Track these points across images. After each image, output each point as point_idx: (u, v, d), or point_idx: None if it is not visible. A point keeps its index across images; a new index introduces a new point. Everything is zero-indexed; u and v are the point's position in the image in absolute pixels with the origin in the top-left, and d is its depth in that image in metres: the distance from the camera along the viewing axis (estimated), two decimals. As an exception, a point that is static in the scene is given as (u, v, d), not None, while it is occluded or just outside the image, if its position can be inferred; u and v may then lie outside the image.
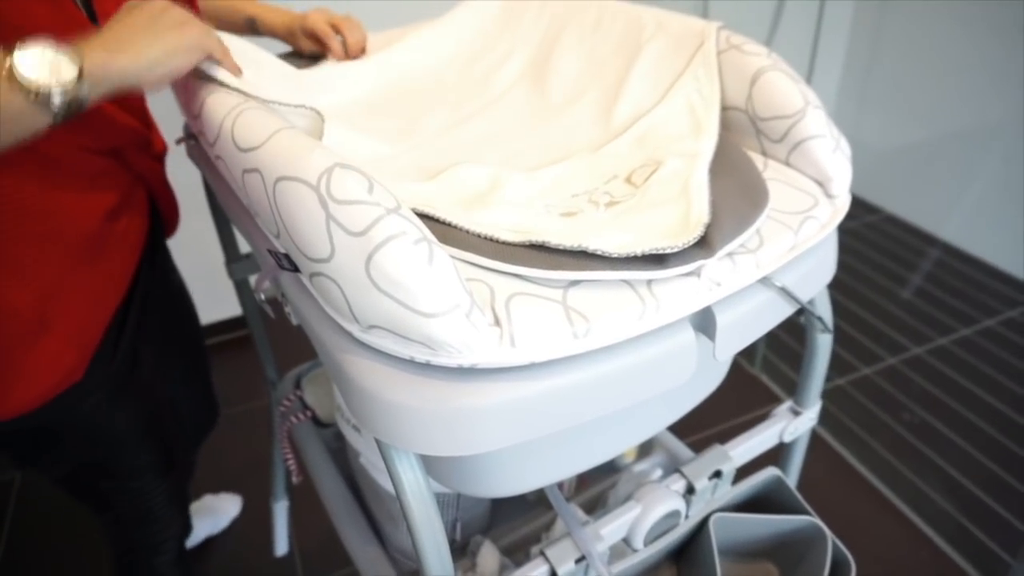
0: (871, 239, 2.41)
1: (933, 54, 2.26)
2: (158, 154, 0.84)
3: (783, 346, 1.91)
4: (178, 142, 0.82)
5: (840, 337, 1.96)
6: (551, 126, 0.74)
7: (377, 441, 0.51)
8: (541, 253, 0.50)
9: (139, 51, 0.56)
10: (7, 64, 0.50)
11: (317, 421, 1.10)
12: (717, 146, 0.64)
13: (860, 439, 1.65)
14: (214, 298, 1.98)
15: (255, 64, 0.71)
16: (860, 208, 2.57)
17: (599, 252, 0.49)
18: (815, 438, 1.66)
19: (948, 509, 1.47)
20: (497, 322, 0.46)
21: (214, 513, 1.55)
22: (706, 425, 1.63)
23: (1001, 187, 2.12)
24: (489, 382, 0.46)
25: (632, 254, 0.49)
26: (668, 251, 0.49)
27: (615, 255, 0.49)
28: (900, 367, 1.85)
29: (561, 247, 0.50)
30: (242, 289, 1.10)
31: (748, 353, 1.90)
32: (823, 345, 0.74)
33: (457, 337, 0.44)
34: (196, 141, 0.78)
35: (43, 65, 0.52)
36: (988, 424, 1.66)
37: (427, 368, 0.47)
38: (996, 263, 2.21)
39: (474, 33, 0.89)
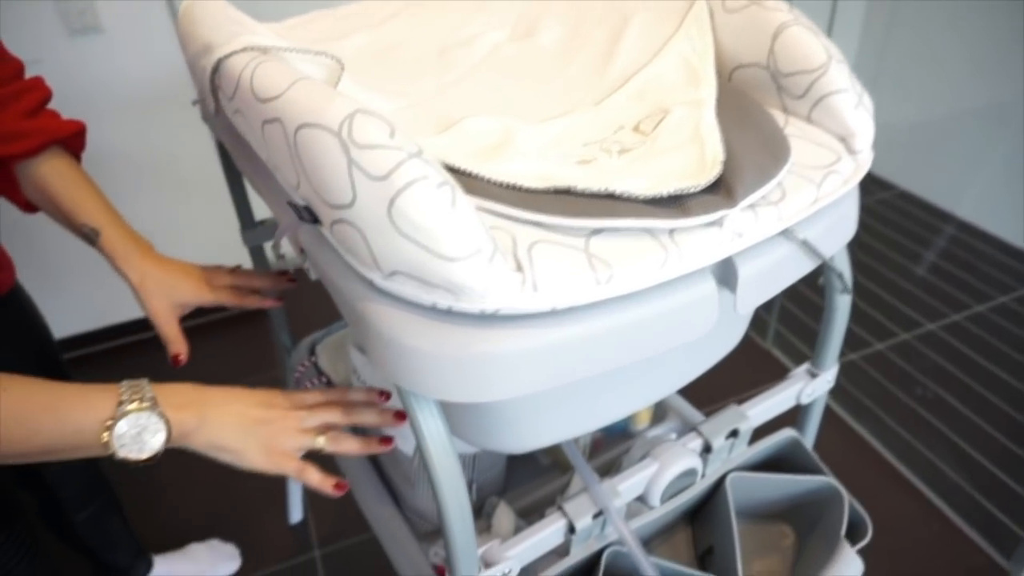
0: (885, 216, 2.39)
1: (948, 30, 2.23)
2: None
3: (795, 320, 1.90)
4: (194, 103, 0.82)
5: (853, 313, 1.95)
6: (546, 85, 0.74)
7: (399, 390, 0.51)
8: (565, 200, 0.50)
9: (220, 440, 0.57)
10: (105, 438, 0.52)
11: (331, 386, 1.11)
12: (736, 102, 0.64)
13: (873, 414, 1.64)
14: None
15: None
16: (874, 185, 2.55)
17: (626, 195, 0.49)
18: (828, 412, 1.66)
19: (961, 483, 1.47)
20: (519, 268, 0.46)
21: (194, 563, 1.39)
22: (717, 398, 1.62)
23: (1017, 164, 2.09)
24: (511, 328, 0.46)
25: (659, 195, 0.49)
26: (691, 190, 0.49)
27: (642, 196, 0.49)
28: (914, 343, 1.84)
29: (588, 191, 0.50)
30: (256, 256, 1.11)
31: (760, 328, 1.89)
32: (842, 306, 0.73)
33: (479, 281, 0.44)
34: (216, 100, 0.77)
35: (133, 441, 0.53)
36: (1002, 400, 1.65)
37: (449, 314, 0.47)
38: (1011, 240, 2.19)
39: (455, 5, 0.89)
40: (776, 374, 0.79)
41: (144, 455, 0.54)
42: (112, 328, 2.00)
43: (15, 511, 0.89)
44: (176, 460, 0.60)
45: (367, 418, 0.63)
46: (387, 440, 0.64)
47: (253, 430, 0.57)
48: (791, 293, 2.04)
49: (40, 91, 0.77)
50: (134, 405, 0.53)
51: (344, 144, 0.45)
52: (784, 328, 1.89)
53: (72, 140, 0.79)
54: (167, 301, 0.74)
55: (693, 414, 1.02)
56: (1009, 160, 2.12)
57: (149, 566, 1.32)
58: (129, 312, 1.95)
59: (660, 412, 1.04)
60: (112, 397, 0.53)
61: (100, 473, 1.15)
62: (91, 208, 0.75)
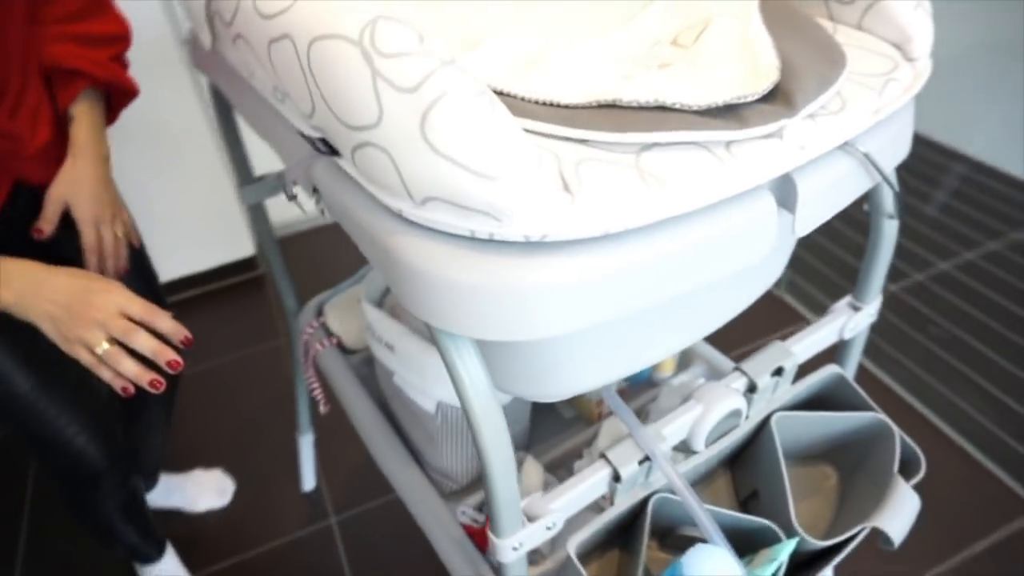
0: (892, 158, 2.34)
1: (959, -42, 2.15)
2: (34, 154, 0.79)
3: (809, 268, 1.86)
4: (183, 44, 0.77)
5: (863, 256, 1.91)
6: (572, 11, 0.68)
7: (432, 330, 0.47)
8: (611, 114, 0.45)
9: (27, 318, 0.63)
10: None
11: (342, 348, 1.07)
12: (779, 12, 0.58)
13: (889, 355, 1.62)
14: (218, 241, 1.93)
15: None
16: (879, 127, 2.49)
17: (678, 105, 0.44)
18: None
19: (982, 420, 1.45)
20: (567, 188, 0.41)
21: (188, 489, 1.43)
22: (731, 347, 1.60)
23: (1030, 97, 2.04)
24: (558, 256, 0.42)
25: (714, 104, 0.44)
26: (748, 99, 0.45)
27: (695, 107, 0.44)
28: (927, 283, 1.81)
29: (636, 103, 0.45)
30: (256, 214, 1.06)
31: (771, 276, 1.86)
32: (889, 232, 0.69)
33: (523, 203, 0.40)
34: (213, 30, 0.71)
35: None
36: (1019, 335, 1.63)
37: (490, 243, 0.42)
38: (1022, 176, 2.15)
39: None
40: (790, 320, 0.75)
41: None
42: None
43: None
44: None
45: (145, 344, 0.63)
46: (158, 383, 0.64)
47: (56, 317, 0.62)
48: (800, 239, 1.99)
49: (127, 43, 0.86)
50: None
51: (366, 54, 0.40)
52: (798, 276, 1.85)
53: (120, 95, 0.86)
54: (62, 193, 0.81)
55: (720, 360, 0.98)
56: (1022, 95, 2.07)
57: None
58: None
59: (685, 359, 1.01)
60: None
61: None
62: (81, 105, 0.82)
